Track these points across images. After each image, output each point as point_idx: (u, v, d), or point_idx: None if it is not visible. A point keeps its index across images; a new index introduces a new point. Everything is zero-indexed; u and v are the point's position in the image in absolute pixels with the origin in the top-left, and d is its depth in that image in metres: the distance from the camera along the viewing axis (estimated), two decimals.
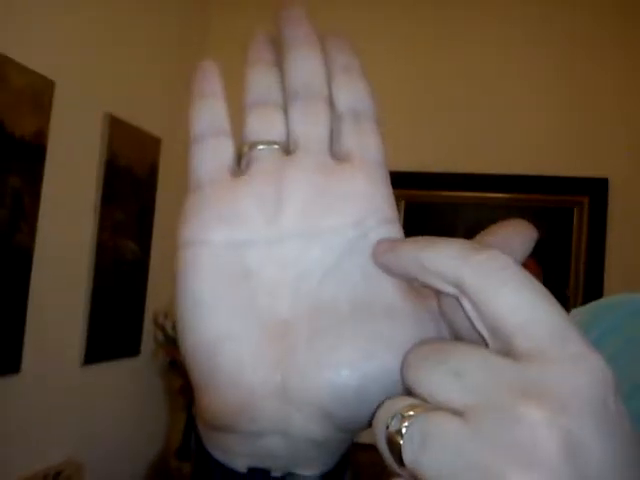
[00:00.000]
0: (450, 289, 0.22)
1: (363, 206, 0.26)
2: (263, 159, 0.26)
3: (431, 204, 2.10)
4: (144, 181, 1.92)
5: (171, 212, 1.95)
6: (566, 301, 1.97)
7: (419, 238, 0.24)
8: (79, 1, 1.62)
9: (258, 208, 0.26)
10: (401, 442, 0.20)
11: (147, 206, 1.94)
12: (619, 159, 2.00)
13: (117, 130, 1.75)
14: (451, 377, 0.20)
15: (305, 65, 0.27)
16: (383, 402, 0.22)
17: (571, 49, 2.07)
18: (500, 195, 2.05)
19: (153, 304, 1.97)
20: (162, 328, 1.97)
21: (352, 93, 0.28)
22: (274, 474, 0.25)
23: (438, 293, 0.24)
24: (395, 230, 0.26)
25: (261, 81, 0.28)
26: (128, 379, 1.93)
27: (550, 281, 1.99)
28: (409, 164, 2.03)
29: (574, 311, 0.47)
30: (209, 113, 0.27)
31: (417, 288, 0.25)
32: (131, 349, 1.92)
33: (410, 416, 0.20)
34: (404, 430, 0.20)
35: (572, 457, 0.18)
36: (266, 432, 0.24)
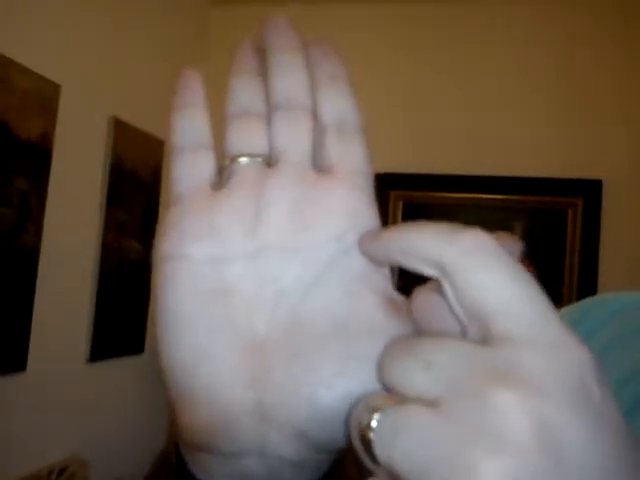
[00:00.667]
0: (432, 271, 0.21)
1: (345, 220, 0.25)
2: (244, 172, 0.26)
3: (428, 205, 2.10)
4: (148, 183, 1.92)
5: None
6: (560, 302, 1.95)
7: (402, 225, 0.23)
8: (85, 5, 1.62)
9: (237, 222, 0.25)
10: (372, 437, 0.19)
11: (151, 207, 1.94)
12: (613, 161, 1.99)
13: (122, 133, 1.76)
14: (422, 368, 0.19)
15: (288, 74, 0.26)
16: (359, 400, 0.21)
17: (568, 51, 2.06)
18: (495, 196, 2.05)
19: None
20: None
21: (337, 103, 0.27)
22: None
23: (408, 299, 0.23)
24: None
25: (243, 91, 0.27)
26: (133, 376, 1.93)
27: (544, 282, 1.99)
28: (407, 166, 2.02)
29: (564, 309, 0.47)
30: (190, 124, 0.27)
31: (398, 303, 0.24)
32: (136, 347, 1.92)
33: (381, 410, 0.20)
34: (375, 425, 0.19)
35: (545, 440, 0.17)
36: (243, 452, 0.24)
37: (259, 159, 0.26)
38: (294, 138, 0.26)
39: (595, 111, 2.03)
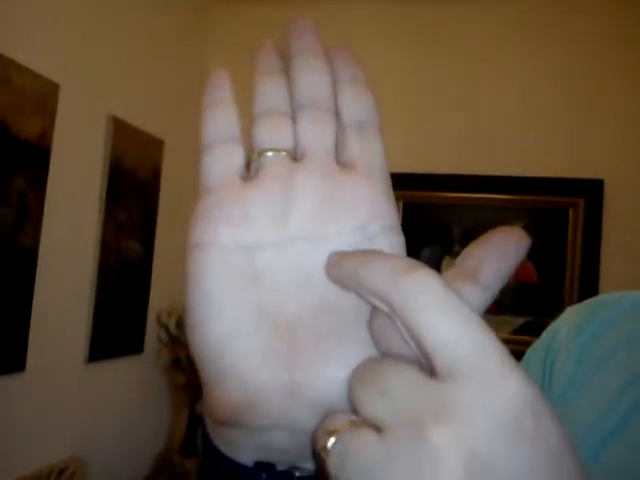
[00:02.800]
0: (384, 307, 0.23)
1: (367, 212, 0.26)
2: (272, 165, 0.27)
3: (429, 205, 2.10)
4: (147, 182, 1.92)
5: (174, 213, 1.98)
6: (561, 302, 1.96)
7: (360, 252, 0.25)
8: (84, 5, 1.62)
9: (267, 212, 0.26)
10: (326, 459, 0.21)
11: (150, 207, 1.95)
12: (614, 160, 1.99)
13: (121, 132, 1.76)
14: (377, 395, 0.21)
15: (311, 76, 0.28)
16: (324, 419, 0.23)
17: (567, 51, 2.06)
18: (496, 196, 2.05)
19: (156, 303, 1.97)
20: (165, 327, 1.97)
21: (357, 104, 0.28)
22: (280, 468, 0.26)
23: (369, 315, 0.25)
24: (397, 237, 0.27)
25: (270, 91, 0.28)
26: (132, 377, 1.93)
27: (545, 282, 1.99)
28: (407, 165, 2.02)
29: (570, 309, 0.48)
30: (220, 120, 0.28)
31: None
32: (135, 347, 1.92)
33: (336, 433, 0.21)
34: (329, 447, 0.21)
35: (476, 474, 0.18)
36: (272, 427, 0.25)
37: (284, 153, 0.27)
38: (319, 135, 0.28)
39: (597, 111, 2.03)
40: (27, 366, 1.46)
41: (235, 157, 0.28)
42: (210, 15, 2.30)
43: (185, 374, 1.93)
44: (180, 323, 1.95)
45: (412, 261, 0.23)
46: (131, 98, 1.84)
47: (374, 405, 0.21)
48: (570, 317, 0.47)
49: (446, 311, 0.21)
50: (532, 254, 1.96)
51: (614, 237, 1.97)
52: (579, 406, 0.41)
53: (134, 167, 1.84)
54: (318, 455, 0.22)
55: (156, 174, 1.96)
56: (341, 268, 0.25)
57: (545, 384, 0.45)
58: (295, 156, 0.28)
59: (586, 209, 1.98)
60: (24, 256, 1.44)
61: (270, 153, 0.27)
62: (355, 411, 0.22)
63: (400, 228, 0.28)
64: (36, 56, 1.44)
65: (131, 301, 1.89)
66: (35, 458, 1.52)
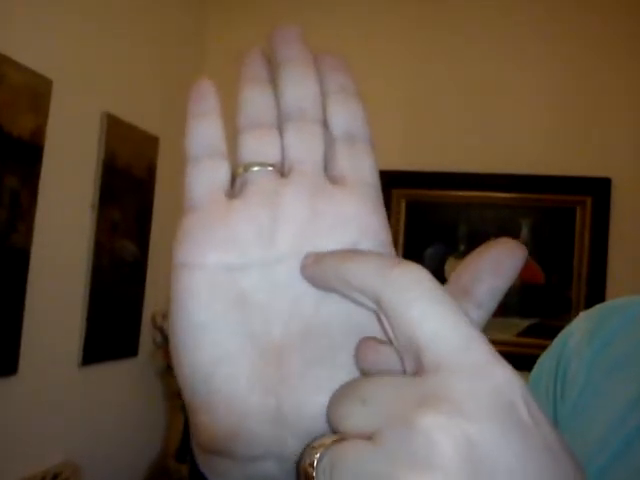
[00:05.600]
0: (370, 304, 0.22)
1: (357, 229, 0.26)
2: (258, 181, 0.26)
3: (432, 204, 2.09)
4: (142, 180, 1.91)
5: (169, 212, 1.96)
6: (569, 303, 1.97)
7: (343, 251, 0.24)
8: (78, 1, 1.62)
9: (253, 231, 0.26)
10: (313, 473, 0.21)
11: (145, 206, 1.94)
12: (622, 159, 2.00)
13: (115, 129, 1.75)
14: (358, 405, 0.21)
15: (299, 86, 0.27)
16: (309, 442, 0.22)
17: (574, 48, 2.06)
18: (502, 195, 2.05)
19: (151, 305, 1.97)
20: (160, 329, 1.97)
21: (346, 115, 0.28)
22: None
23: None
24: (390, 253, 0.26)
25: (255, 101, 0.28)
26: (126, 380, 1.93)
27: (552, 282, 2.00)
28: (410, 163, 2.03)
29: (581, 314, 0.48)
30: (205, 133, 0.27)
31: None
32: (129, 350, 1.92)
33: (321, 448, 0.21)
34: (315, 462, 0.21)
35: (470, 459, 0.18)
36: (261, 457, 0.24)
37: (271, 168, 0.27)
38: (307, 149, 0.27)
39: (604, 109, 2.03)
40: (19, 369, 1.45)
41: (220, 172, 0.27)
42: (206, 12, 2.31)
43: None
44: None
45: (398, 257, 0.24)
46: (125, 94, 1.84)
47: (356, 415, 0.21)
48: (581, 323, 0.47)
49: (436, 305, 0.21)
50: (538, 254, 1.96)
51: (621, 236, 1.98)
52: (592, 417, 0.42)
53: (128, 165, 1.84)
54: (305, 472, 0.21)
55: (151, 172, 1.95)
56: (322, 265, 0.24)
57: (557, 393, 0.45)
58: (282, 170, 0.27)
59: (593, 208, 1.99)
60: (16, 256, 1.43)
61: (256, 168, 0.27)
62: (336, 430, 0.22)
63: (392, 245, 0.27)
64: (29, 52, 1.44)
65: (125, 303, 1.88)
66: (28, 463, 1.51)
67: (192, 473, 0.27)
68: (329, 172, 0.27)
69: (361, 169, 0.27)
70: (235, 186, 0.27)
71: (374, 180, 0.27)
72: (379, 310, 0.22)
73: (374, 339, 0.24)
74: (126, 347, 1.90)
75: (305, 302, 0.25)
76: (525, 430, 0.19)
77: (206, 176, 0.27)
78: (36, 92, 1.44)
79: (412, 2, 2.17)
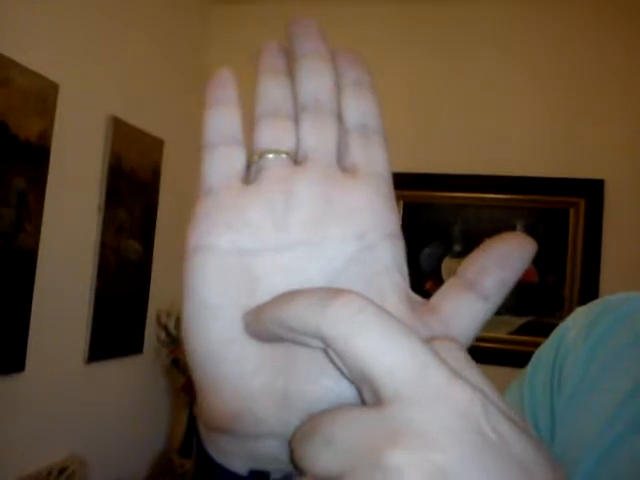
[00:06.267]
0: (317, 343, 0.22)
1: (366, 219, 0.26)
2: (272, 168, 0.26)
3: (429, 205, 2.10)
4: (147, 183, 1.92)
5: (174, 213, 1.97)
6: (562, 302, 1.96)
7: (279, 296, 0.23)
8: (83, 5, 1.62)
9: (266, 215, 0.26)
10: None
11: (150, 207, 1.94)
12: (615, 160, 1.99)
13: (120, 132, 1.75)
14: (323, 446, 0.20)
15: (316, 79, 0.27)
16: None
17: (570, 50, 2.06)
18: (496, 196, 2.05)
19: (156, 303, 1.97)
20: (165, 327, 1.97)
21: (361, 108, 0.28)
22: (274, 476, 0.25)
23: None
24: (398, 244, 0.26)
25: (272, 92, 0.28)
26: (131, 377, 1.93)
27: (546, 282, 1.99)
28: (407, 165, 2.02)
29: (578, 310, 0.49)
30: (223, 120, 0.27)
31: (416, 304, 0.25)
32: (134, 347, 1.92)
33: None
34: None
35: None
36: (265, 436, 0.24)
37: (285, 155, 0.27)
38: (322, 138, 0.27)
39: (597, 111, 2.03)
40: (27, 367, 1.46)
41: (236, 159, 0.27)
42: (211, 14, 2.30)
43: (184, 375, 1.93)
44: (179, 323, 1.94)
45: (334, 288, 0.23)
46: (131, 98, 1.84)
47: (322, 458, 0.20)
48: (578, 318, 0.48)
49: (383, 333, 0.20)
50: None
51: (614, 237, 1.96)
52: (588, 410, 0.42)
53: (134, 167, 1.84)
54: None
55: (156, 174, 1.96)
56: (261, 318, 0.23)
57: (554, 386, 0.45)
58: (296, 159, 0.27)
59: (587, 209, 1.98)
60: (24, 256, 1.44)
61: (271, 155, 0.27)
62: (303, 473, 0.21)
63: (401, 237, 0.27)
64: (36, 56, 1.44)
65: (130, 301, 1.88)
66: (35, 458, 1.52)
67: (197, 463, 0.28)
68: (342, 163, 0.27)
69: (374, 160, 0.27)
70: (250, 173, 0.27)
71: (386, 172, 0.27)
72: (325, 346, 0.21)
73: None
74: (131, 344, 1.90)
75: (314, 285, 0.25)
76: (493, 449, 0.19)
77: (222, 163, 0.27)
78: (43, 95, 1.45)
79: (415, 8, 2.17)
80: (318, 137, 0.27)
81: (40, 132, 1.46)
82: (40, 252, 1.48)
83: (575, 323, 0.47)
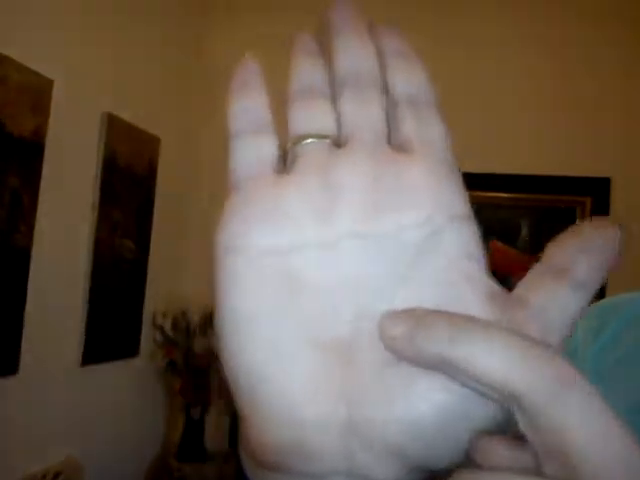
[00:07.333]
0: (496, 396, 0.19)
1: (429, 201, 0.22)
2: (311, 153, 0.23)
3: None
4: (143, 180, 1.91)
5: (170, 211, 1.97)
6: None
7: (447, 320, 0.20)
8: (78, 1, 1.62)
9: (307, 208, 0.22)
10: None
11: (146, 205, 1.94)
12: (621, 159, 2.00)
13: (116, 129, 1.75)
14: None
15: (354, 49, 0.24)
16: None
17: (573, 48, 2.07)
18: (502, 195, 2.05)
19: (151, 304, 1.97)
20: (161, 328, 1.97)
21: (409, 78, 0.24)
22: None
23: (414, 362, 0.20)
24: (469, 227, 0.23)
25: (306, 71, 0.24)
26: (127, 380, 1.93)
27: None
28: None
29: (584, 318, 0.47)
30: (250, 107, 0.24)
31: (497, 295, 0.22)
32: (130, 350, 1.91)
33: None
34: None
35: None
36: (326, 474, 0.21)
37: (327, 140, 0.23)
38: (365, 115, 0.23)
39: (603, 109, 2.03)
40: (20, 369, 1.45)
41: (268, 147, 0.24)
42: (207, 13, 2.30)
43: (181, 378, 1.93)
44: (175, 324, 1.94)
45: (533, 338, 0.19)
46: (126, 94, 1.84)
47: None
48: (585, 320, 0.46)
49: (594, 409, 0.18)
50: (538, 253, 1.95)
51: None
52: None
53: (129, 164, 1.84)
54: None
55: (152, 171, 1.95)
56: (421, 345, 0.20)
57: None
58: (338, 141, 0.23)
59: (593, 208, 1.99)
60: (17, 255, 1.43)
61: (309, 140, 0.23)
62: None
63: (472, 218, 0.23)
64: (30, 52, 1.44)
65: (126, 302, 1.88)
66: (29, 462, 1.51)
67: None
68: (392, 141, 0.23)
69: (429, 134, 0.23)
70: (286, 163, 0.24)
71: (445, 145, 0.24)
72: (514, 409, 0.18)
73: (503, 439, 0.20)
74: (126, 347, 1.89)
75: (373, 289, 0.22)
76: None
77: (251, 152, 0.24)
78: (37, 92, 1.45)
79: (415, 6, 2.17)
80: (361, 113, 0.23)
81: (34, 129, 1.45)
82: (34, 251, 1.47)
83: (582, 326, 0.45)
